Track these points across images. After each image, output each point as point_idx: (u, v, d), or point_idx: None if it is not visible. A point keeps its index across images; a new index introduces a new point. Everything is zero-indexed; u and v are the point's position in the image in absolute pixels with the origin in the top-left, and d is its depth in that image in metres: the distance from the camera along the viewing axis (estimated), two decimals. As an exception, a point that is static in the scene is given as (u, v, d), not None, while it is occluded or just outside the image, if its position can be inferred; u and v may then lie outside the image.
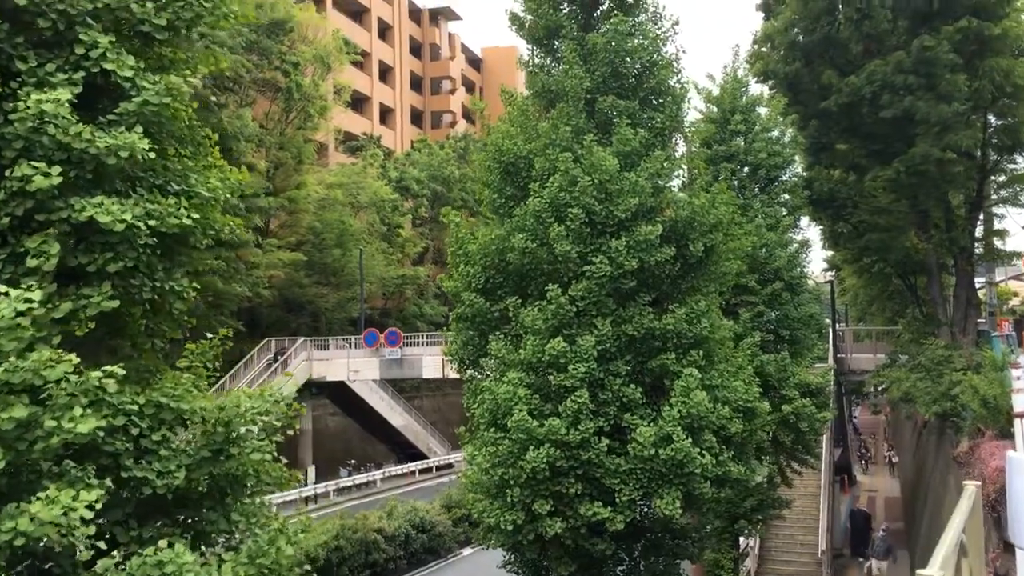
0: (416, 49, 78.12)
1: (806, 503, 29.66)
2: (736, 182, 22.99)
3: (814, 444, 22.65)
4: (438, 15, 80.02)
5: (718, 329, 13.71)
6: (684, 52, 14.53)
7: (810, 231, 66.18)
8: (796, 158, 24.31)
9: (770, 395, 21.58)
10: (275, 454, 8.28)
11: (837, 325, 57.16)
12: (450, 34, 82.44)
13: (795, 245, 23.01)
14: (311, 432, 43.52)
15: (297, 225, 46.19)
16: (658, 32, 14.38)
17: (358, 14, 66.06)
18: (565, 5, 14.64)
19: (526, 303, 13.42)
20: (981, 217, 29.34)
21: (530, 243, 13.06)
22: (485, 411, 13.01)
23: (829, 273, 51.52)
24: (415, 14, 77.78)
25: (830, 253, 41.38)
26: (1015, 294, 67.65)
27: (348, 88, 53.41)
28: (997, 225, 30.42)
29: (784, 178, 23.87)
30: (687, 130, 16.26)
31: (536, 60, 14.72)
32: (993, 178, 28.39)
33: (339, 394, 45.43)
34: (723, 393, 13.35)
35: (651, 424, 12.62)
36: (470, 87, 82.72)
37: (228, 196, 8.16)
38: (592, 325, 12.80)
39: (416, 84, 76.59)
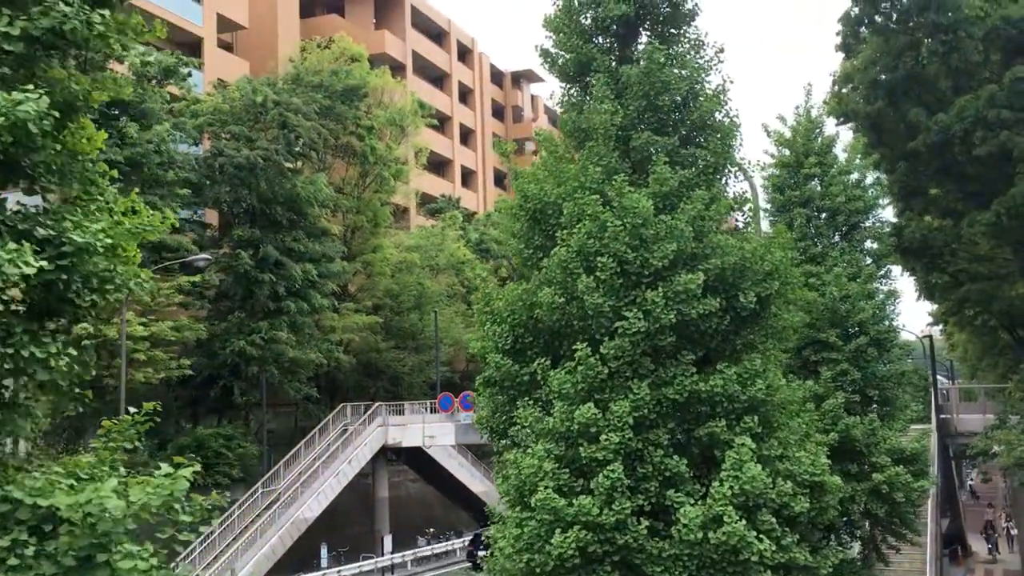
0: (499, 111, 78.22)
1: (912, 581, 26.77)
2: (812, 229, 21.12)
3: (912, 516, 20.16)
4: (520, 78, 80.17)
5: (778, 391, 11.91)
6: (732, 83, 13.02)
7: (902, 282, 62.63)
8: (880, 202, 22.25)
9: (857, 463, 19.39)
10: (162, 563, 6.63)
11: (943, 383, 53.35)
12: (532, 96, 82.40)
13: (881, 296, 20.85)
14: (387, 500, 42.34)
15: (374, 288, 45.71)
16: (700, 62, 12.93)
17: (439, 79, 66.49)
18: (599, 38, 13.36)
19: (558, 365, 11.92)
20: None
21: (557, 298, 11.62)
22: (510, 487, 11.49)
23: (935, 328, 48.16)
24: (497, 77, 78.05)
25: (935, 307, 38.54)
26: None
27: (426, 150, 53.28)
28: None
29: (867, 224, 21.84)
30: (745, 168, 14.65)
31: (569, 99, 13.41)
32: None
33: (417, 460, 44.25)
34: (784, 466, 11.49)
35: (699, 503, 10.88)
36: (553, 117, 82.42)
37: (123, 244, 6.93)
38: (627, 388, 11.20)
39: (498, 112, 76.69)
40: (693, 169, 12.36)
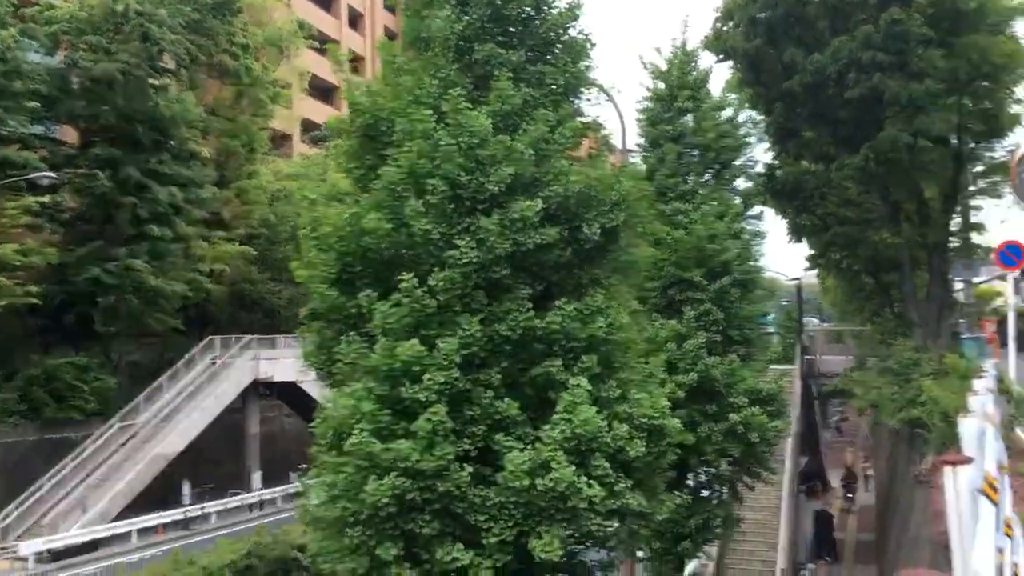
0: (392, 39, 75.25)
1: (769, 516, 27.14)
2: (683, 165, 20.45)
3: (768, 455, 20.08)
4: (415, 6, 77.17)
5: (621, 330, 11.10)
6: (587, -3, 11.92)
7: (776, 224, 63.65)
8: (752, 141, 21.76)
9: (717, 403, 19.09)
10: None
11: (813, 325, 54.75)
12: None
13: (747, 236, 20.42)
14: (259, 435, 40.88)
15: (249, 218, 43.46)
16: (554, -31, 11.79)
17: (327, 1, 63.32)
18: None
19: (389, 297, 10.82)
20: (958, 210, 26.85)
21: (385, 223, 10.47)
22: (327, 429, 10.44)
23: (810, 272, 48.98)
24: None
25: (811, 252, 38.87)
26: (999, 294, 65.24)
27: (307, 74, 50.73)
28: (974, 218, 27.89)
29: (738, 163, 21.32)
30: (608, 90, 13.67)
31: (411, 3, 12.08)
32: (969, 167, 25.84)
33: (292, 395, 42.75)
34: (623, 408, 10.77)
35: (529, 447, 10.06)
36: None
37: None
38: (457, 324, 10.21)
39: None
40: (540, 88, 11.28)
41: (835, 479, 42.16)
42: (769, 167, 26.46)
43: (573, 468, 9.74)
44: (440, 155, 10.21)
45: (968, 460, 4.70)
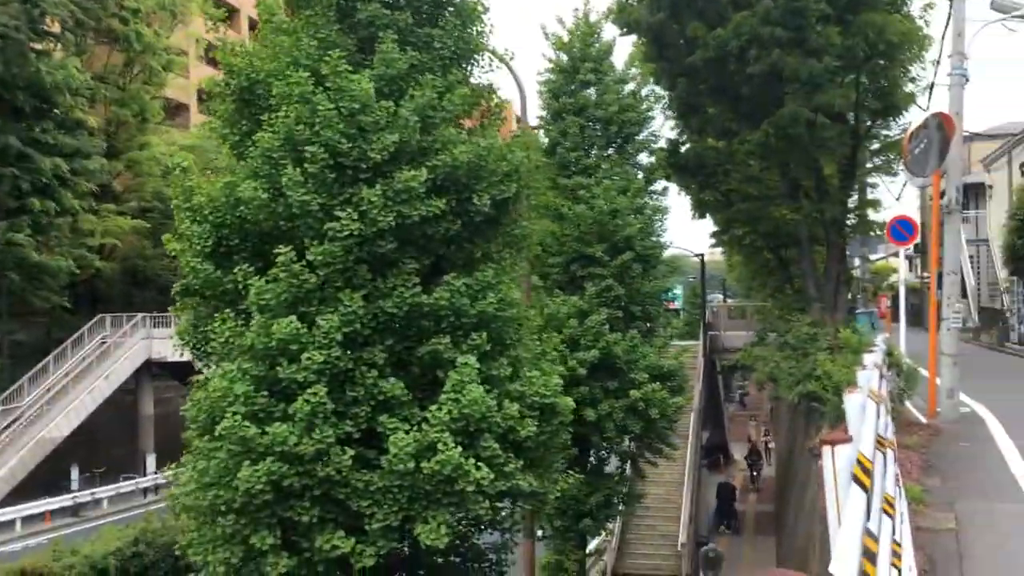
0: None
1: (671, 491, 27.44)
2: (585, 139, 20.22)
3: (668, 431, 20.16)
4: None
5: (513, 305, 10.75)
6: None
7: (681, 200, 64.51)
8: (654, 115, 21.64)
9: (618, 379, 19.03)
10: None
11: (719, 301, 55.75)
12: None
13: (649, 212, 20.34)
14: (153, 417, 39.40)
15: (142, 190, 41.62)
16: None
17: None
18: None
19: (267, 272, 10.21)
20: (855, 187, 27.30)
21: (261, 193, 9.86)
22: (199, 413, 9.82)
23: (716, 249, 49.64)
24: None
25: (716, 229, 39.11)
26: (895, 270, 67.52)
27: (203, 42, 48.70)
28: (870, 195, 28.43)
29: (641, 137, 21.19)
30: (504, 58, 13.22)
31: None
32: (866, 144, 26.28)
33: (188, 376, 41.21)
34: (514, 387, 10.45)
35: (416, 429, 9.64)
36: None
37: None
38: (338, 300, 9.69)
39: None
40: (428, 53, 10.77)
41: (738, 452, 43.08)
42: (672, 142, 26.37)
43: (460, 450, 9.37)
44: (319, 121, 9.62)
45: (847, 439, 4.46)
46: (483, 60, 11.93)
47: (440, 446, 9.28)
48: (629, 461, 21.09)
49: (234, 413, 9.12)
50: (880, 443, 7.26)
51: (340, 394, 9.58)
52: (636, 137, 20.92)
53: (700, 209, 28.16)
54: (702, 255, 35.46)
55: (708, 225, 30.87)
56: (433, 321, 10.10)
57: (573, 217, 19.15)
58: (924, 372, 15.76)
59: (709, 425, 31.25)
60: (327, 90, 9.78)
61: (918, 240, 31.62)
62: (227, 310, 10.21)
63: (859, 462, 3.52)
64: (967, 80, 14.99)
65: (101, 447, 37.29)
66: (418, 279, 10.00)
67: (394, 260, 10.01)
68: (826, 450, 4.69)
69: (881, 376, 8.42)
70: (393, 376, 9.88)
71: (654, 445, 20.62)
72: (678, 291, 59.66)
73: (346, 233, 9.49)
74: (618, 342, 18.67)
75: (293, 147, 9.78)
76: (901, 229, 16.19)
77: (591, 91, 20.47)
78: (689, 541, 24.23)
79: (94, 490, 33.98)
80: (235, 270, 10.12)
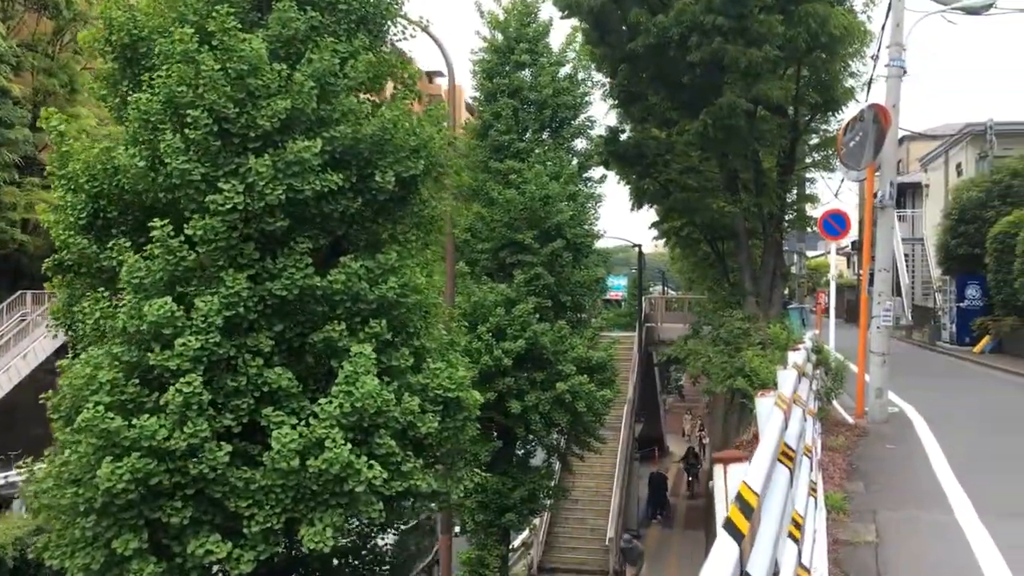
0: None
1: (602, 484, 26.88)
2: (518, 122, 19.39)
3: (596, 424, 19.48)
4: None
5: (419, 292, 9.90)
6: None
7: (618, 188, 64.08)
8: (590, 100, 20.89)
9: (546, 371, 18.30)
10: None
11: (663, 292, 55.43)
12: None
13: (582, 199, 19.59)
14: (75, 398, 37.68)
15: (69, 164, 39.70)
16: None
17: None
18: None
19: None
20: (794, 182, 26.97)
21: (139, 160, 8.87)
22: (62, 401, 8.83)
23: (659, 241, 49.19)
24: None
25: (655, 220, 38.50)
26: (833, 267, 68.09)
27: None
28: (809, 190, 28.17)
29: (577, 122, 20.44)
30: (425, 25, 12.29)
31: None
32: (805, 139, 25.93)
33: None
34: (417, 379, 9.62)
35: (303, 423, 8.76)
36: None
37: None
38: (220, 281, 8.75)
39: None
40: (332, 15, 9.83)
41: (674, 444, 42.77)
42: (612, 130, 25.73)
43: (351, 447, 8.52)
44: (203, 83, 8.65)
45: (742, 458, 3.69)
46: (397, 27, 11.02)
47: (328, 443, 8.42)
48: (556, 455, 20.39)
49: (97, 403, 8.16)
50: (788, 456, 6.59)
51: (219, 384, 8.65)
52: (572, 122, 20.13)
53: (639, 199, 27.60)
54: (639, 245, 34.90)
55: (652, 216, 30.15)
56: (328, 306, 9.21)
57: (503, 202, 18.33)
58: (854, 368, 15.34)
59: (644, 417, 30.76)
60: (213, 49, 8.80)
61: (856, 237, 31.47)
62: (101, 289, 9.22)
63: (739, 496, 2.78)
64: (905, 72, 14.48)
65: (18, 428, 35.59)
66: (311, 260, 9.08)
67: (285, 239, 9.09)
68: (718, 470, 3.94)
69: (802, 376, 7.76)
70: (282, 365, 8.98)
71: (582, 439, 19.93)
72: (622, 282, 59.38)
73: (229, 207, 8.54)
74: (546, 332, 17.93)
75: (174, 111, 8.80)
76: (833, 223, 15.65)
77: (526, 73, 19.65)
78: (617, 535, 23.67)
79: (6, 473, 32.33)
80: (110, 245, 9.13)
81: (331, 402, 8.64)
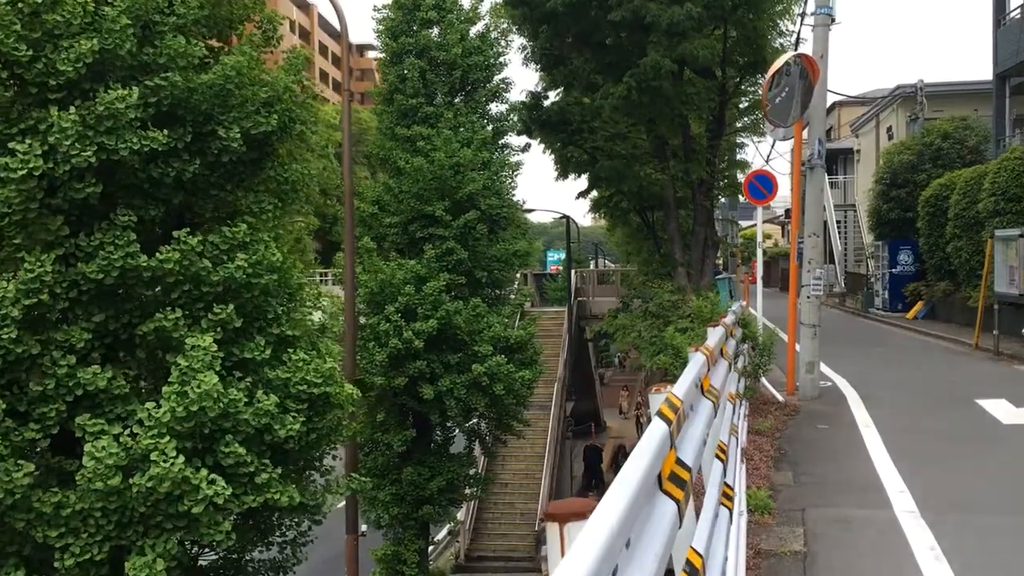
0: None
1: (533, 466, 25.65)
2: (426, 84, 17.82)
3: (516, 407, 18.14)
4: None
5: (277, 271, 8.38)
6: None
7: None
8: (505, 60, 19.39)
9: (460, 352, 16.91)
10: None
11: (597, 265, 54.45)
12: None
13: (496, 167, 18.12)
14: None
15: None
16: None
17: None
18: None
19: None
20: (723, 147, 25.84)
21: (-88, 117, 7.18)
22: None
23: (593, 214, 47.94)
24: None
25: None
26: (768, 236, 67.64)
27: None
28: (739, 156, 27.11)
29: (490, 85, 18.92)
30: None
31: None
32: (735, 102, 24.81)
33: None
34: (274, 374, 8.12)
35: (126, 432, 7.22)
36: None
37: None
38: (18, 262, 7.14)
39: None
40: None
41: (611, 420, 41.80)
42: (534, 95, 24.30)
43: (186, 459, 7.02)
44: (-14, 19, 6.99)
45: (582, 514, 2.30)
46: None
47: (155, 455, 6.90)
48: (477, 440, 19.04)
49: None
50: (713, 393, 5.37)
51: (21, 388, 7.07)
52: (485, 85, 18.60)
53: (564, 168, 26.25)
54: (568, 217, 33.58)
55: (580, 185, 28.72)
56: (160, 290, 7.64)
57: (411, 171, 16.79)
58: (785, 336, 14.26)
59: (576, 394, 29.63)
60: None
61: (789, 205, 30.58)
62: None
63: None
64: (833, 20, 13.28)
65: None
66: (135, 236, 7.49)
67: (101, 210, 7.48)
68: (551, 529, 2.54)
69: (715, 361, 6.50)
70: (104, 363, 7.42)
71: (504, 422, 18.59)
72: (561, 255, 58.19)
73: (24, 172, 6.92)
74: (460, 311, 16.51)
75: (-47, 56, 7.13)
76: (759, 185, 14.46)
77: (434, 31, 18.05)
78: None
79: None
80: None
81: (160, 406, 7.11)
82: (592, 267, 48.25)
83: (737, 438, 8.10)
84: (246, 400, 7.58)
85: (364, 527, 16.62)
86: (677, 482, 3.41)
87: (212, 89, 7.75)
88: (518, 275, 31.49)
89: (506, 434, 18.87)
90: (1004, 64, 23.44)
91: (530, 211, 53.82)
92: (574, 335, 30.58)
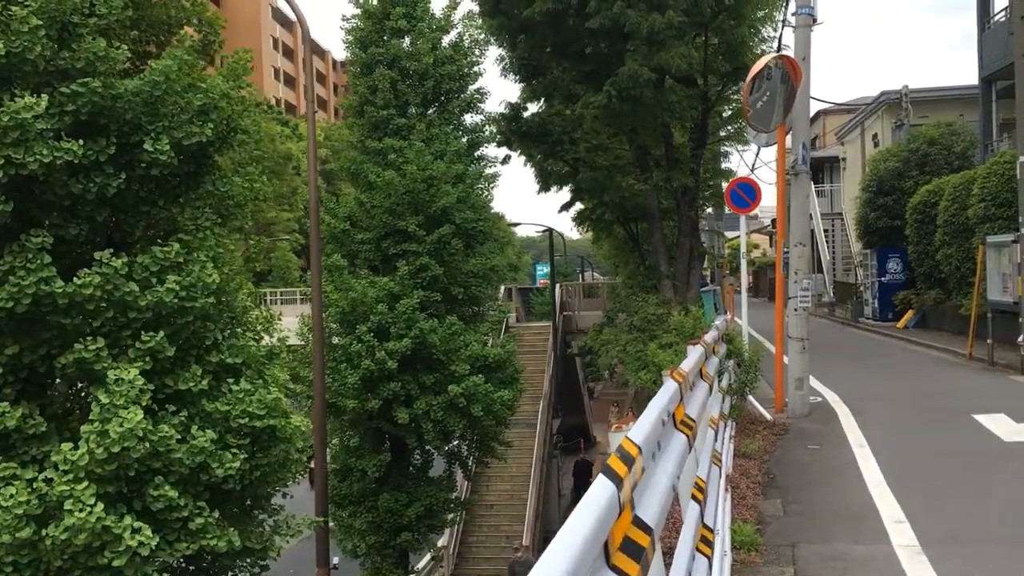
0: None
1: (519, 486, 24.87)
2: (398, 95, 17.14)
3: (496, 428, 17.37)
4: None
5: (217, 294, 7.64)
6: None
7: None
8: (480, 70, 18.71)
9: (436, 372, 16.17)
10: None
11: (582, 279, 53.76)
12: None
13: (470, 180, 17.42)
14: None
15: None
16: None
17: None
18: None
19: None
20: (707, 156, 25.19)
21: None
22: None
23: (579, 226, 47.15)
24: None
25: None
26: (756, 246, 66.91)
27: None
28: (724, 165, 26.47)
29: (465, 95, 18.25)
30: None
31: None
32: (718, 110, 24.19)
33: None
34: (213, 407, 7.37)
35: (43, 477, 6.46)
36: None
37: None
38: (-85, 290, 6.39)
39: None
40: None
41: (600, 435, 41.02)
42: (513, 107, 23.63)
43: (105, 506, 6.27)
44: None
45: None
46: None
47: (70, 503, 6.15)
48: (457, 463, 18.24)
49: None
50: (687, 424, 4.73)
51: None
52: (459, 95, 17.92)
53: (545, 181, 25.57)
54: (551, 230, 32.90)
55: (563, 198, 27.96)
56: (81, 318, 6.90)
57: (382, 185, 16.08)
58: (772, 348, 13.56)
59: (562, 411, 28.86)
60: None
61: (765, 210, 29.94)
62: None
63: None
64: (815, 20, 12.67)
65: None
66: (51, 258, 6.75)
67: (12, 230, 6.75)
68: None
69: (691, 386, 5.81)
70: (19, 399, 6.67)
71: (486, 444, 17.83)
72: (545, 268, 57.50)
73: (-82, 190, 6.18)
74: (435, 329, 15.77)
75: None
76: (742, 194, 13.78)
77: (406, 41, 17.38)
78: (534, 541, 21.68)
79: None
80: None
81: (77, 448, 6.35)
82: (580, 280, 47.54)
83: (721, 467, 7.39)
84: (179, 437, 6.82)
85: (336, 559, 15.79)
86: (632, 552, 2.69)
87: (139, 96, 7.03)
88: (502, 289, 30.81)
89: (488, 457, 18.08)
90: (990, 67, 22.90)
91: (515, 225, 53.25)
92: (560, 350, 29.85)
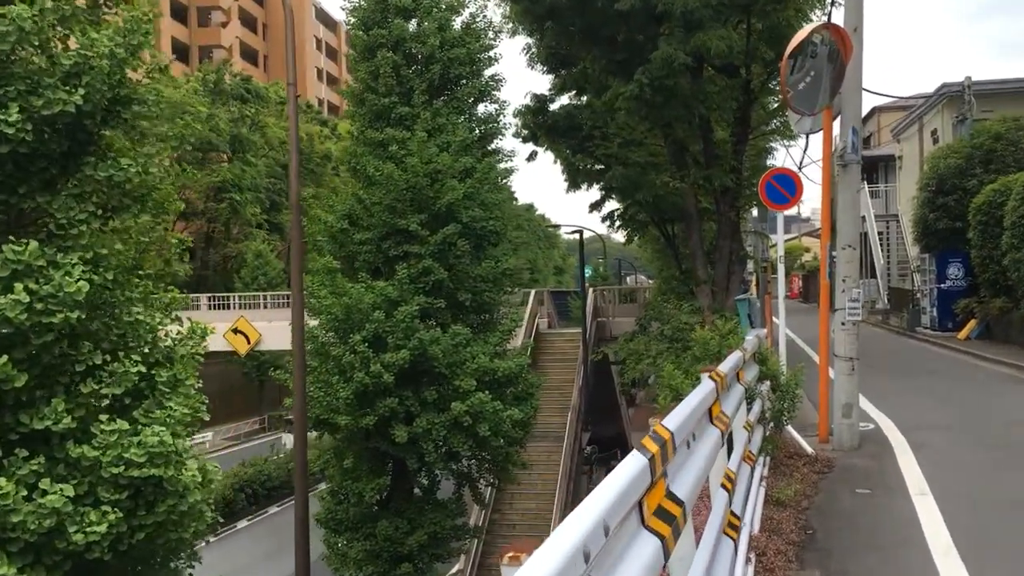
0: (183, -21, 66.83)
1: (543, 504, 23.01)
2: (401, 81, 15.43)
3: (511, 451, 15.56)
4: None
5: (79, 307, 5.93)
6: None
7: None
8: (494, 54, 16.91)
9: (438, 387, 14.42)
10: None
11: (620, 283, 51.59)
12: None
13: (479, 174, 15.60)
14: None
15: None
16: None
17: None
18: None
19: None
20: (754, 154, 23.12)
21: None
22: None
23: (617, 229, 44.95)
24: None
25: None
26: (807, 250, 63.88)
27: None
28: (769, 162, 24.32)
29: (477, 82, 16.46)
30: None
31: None
32: (763, 102, 22.09)
33: None
34: (80, 451, 5.67)
35: None
36: (250, 22, 71.63)
37: None
38: None
39: (179, 12, 65.09)
40: None
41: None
42: (538, 99, 21.82)
43: None
44: None
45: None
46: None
47: None
48: (467, 485, 16.47)
49: None
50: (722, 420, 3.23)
51: None
52: (469, 80, 16.13)
53: (573, 178, 23.70)
54: (581, 231, 30.90)
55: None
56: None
57: (382, 179, 14.38)
58: (817, 358, 11.50)
59: (592, 422, 26.88)
60: None
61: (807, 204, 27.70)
62: None
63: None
64: (869, -16, 10.62)
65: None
66: None
67: None
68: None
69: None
70: None
71: (500, 465, 16.01)
72: (586, 272, 55.52)
73: None
74: (437, 340, 14.02)
75: None
76: (778, 186, 11.72)
77: (412, 22, 15.67)
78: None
79: None
80: None
81: None
82: (619, 284, 45.46)
83: (740, 528, 5.47)
84: (25, 494, 5.14)
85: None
86: (665, 518, 2.16)
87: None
88: (532, 294, 28.96)
89: (502, 479, 16.27)
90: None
91: (555, 227, 51.31)
92: (592, 358, 27.88)
